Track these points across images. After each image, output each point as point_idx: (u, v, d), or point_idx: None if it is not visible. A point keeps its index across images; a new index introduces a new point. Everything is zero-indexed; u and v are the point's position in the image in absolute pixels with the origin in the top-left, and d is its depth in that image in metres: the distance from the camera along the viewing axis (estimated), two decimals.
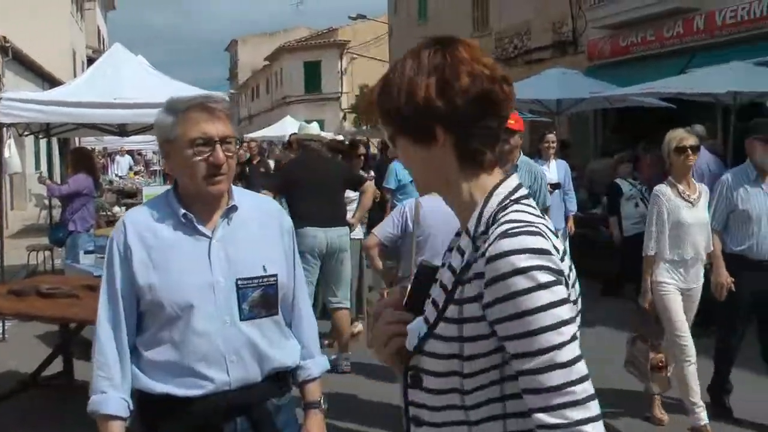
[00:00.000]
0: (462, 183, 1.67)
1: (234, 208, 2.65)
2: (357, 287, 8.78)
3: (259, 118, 61.09)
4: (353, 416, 6.21)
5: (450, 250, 1.80)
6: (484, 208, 1.63)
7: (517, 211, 1.59)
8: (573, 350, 1.48)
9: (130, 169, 27.48)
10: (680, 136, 5.67)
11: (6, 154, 12.74)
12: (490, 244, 1.52)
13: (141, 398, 2.59)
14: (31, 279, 7.83)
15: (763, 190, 5.88)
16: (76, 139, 20.40)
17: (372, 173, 10.54)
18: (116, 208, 14.10)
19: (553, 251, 1.53)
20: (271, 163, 16.47)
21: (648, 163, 11.41)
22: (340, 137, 21.21)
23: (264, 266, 2.63)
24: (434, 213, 4.94)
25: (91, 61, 28.52)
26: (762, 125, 6.00)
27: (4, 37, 20.99)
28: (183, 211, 2.58)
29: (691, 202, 5.70)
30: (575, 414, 1.45)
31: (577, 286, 1.64)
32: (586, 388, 1.47)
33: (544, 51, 22.10)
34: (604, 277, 10.77)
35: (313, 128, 8.47)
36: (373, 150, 23.70)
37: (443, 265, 1.78)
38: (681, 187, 5.72)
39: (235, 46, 74.09)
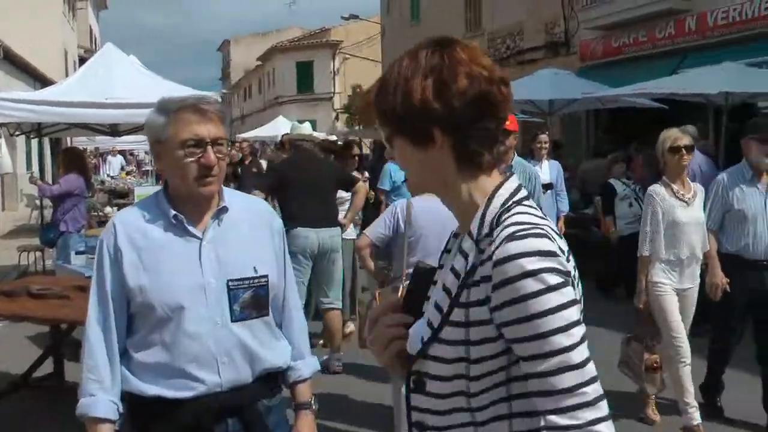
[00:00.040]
0: (461, 185, 1.66)
1: (224, 209, 2.64)
2: (350, 288, 8.78)
3: (251, 118, 61.01)
4: (345, 417, 6.20)
5: (447, 251, 1.79)
6: (486, 210, 1.62)
7: (521, 213, 1.59)
8: (583, 352, 1.50)
9: (122, 169, 27.41)
10: (674, 135, 5.66)
11: None
12: (496, 248, 1.52)
13: (131, 401, 2.58)
14: (22, 280, 7.80)
15: (758, 189, 5.86)
16: (68, 139, 20.42)
17: (367, 174, 10.51)
18: (108, 209, 14.07)
19: (560, 252, 1.53)
20: (264, 164, 16.44)
21: (640, 163, 11.47)
22: (333, 137, 21.20)
23: (255, 267, 2.63)
24: (426, 213, 4.94)
25: (83, 60, 28.42)
26: (758, 125, 6.00)
27: None
28: (173, 212, 2.57)
29: (686, 202, 5.69)
30: (587, 414, 1.47)
31: (579, 286, 1.64)
32: (597, 389, 1.49)
33: (536, 51, 22.12)
34: (596, 277, 10.79)
35: (306, 128, 8.45)
36: (365, 150, 23.67)
37: (441, 266, 1.77)
38: (675, 187, 5.71)
39: (227, 46, 73.97)
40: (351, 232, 8.30)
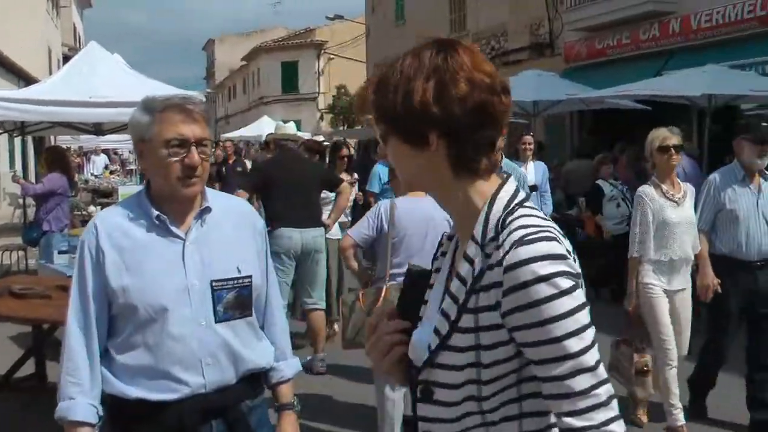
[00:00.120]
0: (458, 188, 1.65)
1: (207, 210, 2.63)
2: (336, 288, 8.75)
3: (235, 117, 60.87)
4: (328, 417, 6.19)
5: (443, 254, 1.78)
6: (489, 213, 1.61)
7: (525, 215, 1.58)
8: (594, 354, 1.51)
9: (106, 168, 27.25)
10: (663, 135, 5.62)
11: None
12: (506, 252, 1.51)
13: (113, 403, 2.55)
14: (4, 279, 7.74)
15: (750, 190, 5.85)
16: (52, 137, 20.29)
17: (356, 175, 10.47)
18: (91, 208, 13.97)
19: (568, 254, 1.54)
20: (248, 163, 16.40)
21: (624, 164, 11.52)
22: (319, 137, 21.16)
23: (238, 267, 2.62)
24: (409, 214, 4.94)
25: (66, 59, 28.26)
26: (750, 126, 6.02)
27: None
28: (156, 212, 2.55)
29: (676, 202, 5.64)
30: (602, 415, 1.49)
31: (583, 286, 1.64)
32: (609, 389, 1.51)
33: (520, 53, 22.19)
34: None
35: (290, 128, 8.43)
36: (351, 150, 23.61)
37: (436, 270, 1.77)
38: (665, 187, 5.67)
39: (212, 45, 73.76)
40: (337, 233, 8.29)
